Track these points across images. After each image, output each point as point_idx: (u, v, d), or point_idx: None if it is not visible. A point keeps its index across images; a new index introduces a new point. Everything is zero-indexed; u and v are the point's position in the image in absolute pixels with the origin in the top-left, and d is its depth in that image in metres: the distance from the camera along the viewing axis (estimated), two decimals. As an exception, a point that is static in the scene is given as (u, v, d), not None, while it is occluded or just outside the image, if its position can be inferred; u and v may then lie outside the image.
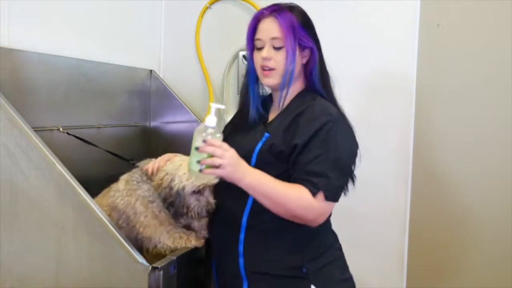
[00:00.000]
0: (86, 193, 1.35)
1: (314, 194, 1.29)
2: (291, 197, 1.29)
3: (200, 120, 2.37)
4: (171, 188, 1.42)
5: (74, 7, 1.94)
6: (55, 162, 1.36)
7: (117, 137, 2.13)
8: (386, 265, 2.18)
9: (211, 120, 1.25)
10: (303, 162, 1.32)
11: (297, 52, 1.40)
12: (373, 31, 2.16)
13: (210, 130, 1.24)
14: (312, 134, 1.32)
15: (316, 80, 1.44)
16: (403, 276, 2.17)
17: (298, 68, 1.43)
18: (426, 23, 2.09)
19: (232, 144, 1.37)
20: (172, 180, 1.42)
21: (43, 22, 1.81)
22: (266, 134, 1.40)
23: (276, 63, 1.40)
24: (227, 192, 1.42)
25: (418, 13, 2.10)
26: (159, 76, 2.42)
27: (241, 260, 1.39)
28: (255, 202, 1.37)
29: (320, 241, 1.43)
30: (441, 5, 2.07)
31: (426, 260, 2.13)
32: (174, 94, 2.37)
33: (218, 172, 1.23)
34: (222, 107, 1.31)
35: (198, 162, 1.22)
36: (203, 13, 2.44)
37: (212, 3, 2.43)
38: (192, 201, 1.43)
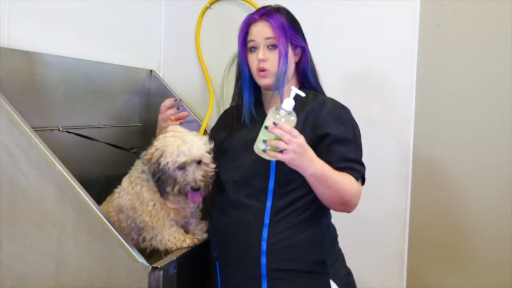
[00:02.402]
0: (86, 193, 1.35)
1: (357, 179, 1.39)
2: (348, 185, 1.36)
3: (200, 120, 2.37)
4: (159, 164, 1.44)
5: (74, 7, 1.94)
6: (55, 162, 1.36)
7: (117, 137, 2.13)
8: (386, 265, 2.18)
9: (287, 103, 1.27)
10: (342, 151, 1.39)
11: (290, 52, 1.46)
12: (373, 31, 2.16)
13: (283, 112, 1.27)
14: (341, 125, 1.42)
15: (311, 78, 1.52)
16: (403, 276, 2.17)
17: (292, 66, 1.49)
18: (426, 23, 2.09)
19: (242, 142, 1.43)
20: (161, 156, 1.45)
21: (43, 22, 1.81)
22: None
23: (272, 64, 1.45)
24: (246, 190, 1.43)
25: (418, 13, 2.10)
26: (159, 76, 2.42)
27: (263, 259, 1.39)
28: (275, 199, 1.40)
29: (331, 235, 1.50)
30: (441, 5, 2.07)
31: (426, 260, 2.13)
32: (174, 94, 2.37)
33: (280, 156, 1.25)
34: (302, 94, 1.32)
35: (265, 141, 1.25)
36: (203, 13, 2.44)
37: (212, 3, 2.43)
38: (179, 176, 1.44)
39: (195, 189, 1.44)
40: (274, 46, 1.44)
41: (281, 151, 1.23)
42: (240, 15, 2.39)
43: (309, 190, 1.37)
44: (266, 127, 1.25)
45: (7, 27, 1.67)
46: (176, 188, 1.44)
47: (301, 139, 1.25)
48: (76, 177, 1.37)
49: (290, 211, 1.40)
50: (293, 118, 1.28)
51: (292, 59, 1.48)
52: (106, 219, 1.33)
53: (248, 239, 1.41)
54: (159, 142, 1.48)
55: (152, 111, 2.37)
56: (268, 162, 1.38)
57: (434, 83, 2.10)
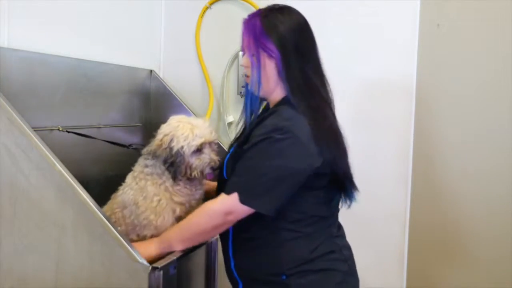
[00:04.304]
0: (86, 193, 1.35)
1: (228, 193, 1.32)
2: (193, 221, 1.37)
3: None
4: (171, 149, 1.44)
5: (74, 7, 1.94)
6: (55, 162, 1.36)
7: (117, 137, 2.13)
8: (386, 265, 2.18)
9: None
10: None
11: (266, 60, 1.38)
12: (373, 31, 2.16)
13: None
14: (250, 146, 1.33)
15: (287, 88, 1.38)
16: (403, 276, 2.17)
17: (269, 75, 1.40)
18: (426, 23, 2.09)
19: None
20: (171, 140, 1.45)
21: (43, 22, 1.81)
22: (234, 146, 1.44)
23: (249, 71, 1.43)
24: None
25: (418, 13, 2.10)
26: (159, 76, 2.42)
27: (232, 263, 1.44)
28: None
29: (309, 248, 1.39)
30: (441, 5, 2.07)
31: (426, 260, 2.13)
32: (174, 94, 2.37)
33: None
34: None
35: None
36: (203, 13, 2.44)
37: (212, 3, 2.43)
38: (193, 161, 1.45)
39: (215, 169, 1.47)
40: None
41: None
42: (240, 15, 2.37)
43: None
44: None
45: (7, 27, 1.67)
46: (196, 172, 1.45)
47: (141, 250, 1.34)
48: (76, 177, 1.37)
49: (247, 225, 1.38)
50: None
51: (270, 67, 1.38)
52: (106, 219, 1.33)
53: (223, 244, 1.48)
54: (166, 128, 1.49)
55: (152, 111, 2.37)
56: (222, 174, 1.42)
57: (434, 83, 2.10)
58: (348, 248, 1.50)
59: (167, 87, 2.39)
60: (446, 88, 2.08)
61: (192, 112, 2.35)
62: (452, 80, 2.07)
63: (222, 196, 1.34)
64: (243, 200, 1.30)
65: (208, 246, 1.58)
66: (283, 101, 1.40)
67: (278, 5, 1.44)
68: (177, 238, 1.38)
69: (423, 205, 2.12)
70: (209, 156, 1.46)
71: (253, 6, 2.32)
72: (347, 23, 2.20)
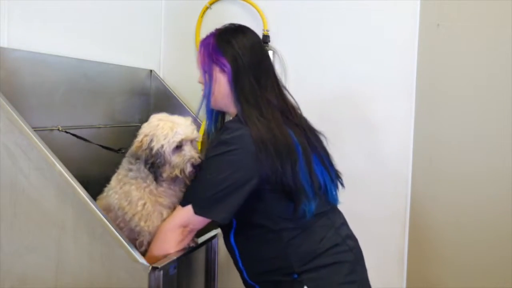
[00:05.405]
0: (86, 193, 1.35)
1: (183, 206, 1.39)
2: (156, 248, 1.39)
3: (199, 120, 2.37)
4: (151, 149, 1.41)
5: (74, 7, 1.94)
6: (55, 162, 1.36)
7: (117, 137, 2.13)
8: (386, 265, 2.18)
9: None
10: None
11: (218, 74, 1.45)
12: (373, 31, 2.16)
13: None
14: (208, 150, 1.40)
15: (236, 100, 1.45)
16: (403, 276, 2.17)
17: (225, 89, 1.46)
18: (426, 23, 2.09)
19: None
20: (151, 141, 1.42)
21: (43, 22, 1.81)
22: None
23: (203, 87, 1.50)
24: None
25: (418, 13, 2.10)
26: (159, 76, 2.42)
27: (245, 274, 1.46)
28: (238, 222, 1.43)
29: (313, 241, 1.42)
30: (441, 5, 2.08)
31: (426, 260, 2.13)
32: (174, 94, 2.37)
33: None
34: None
35: None
36: (203, 13, 2.44)
37: (212, 3, 2.43)
38: (174, 159, 1.42)
39: (196, 166, 1.42)
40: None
41: None
42: (240, 15, 2.40)
43: (262, 209, 1.39)
44: None
45: (7, 27, 1.66)
46: (177, 171, 1.42)
47: None
48: (76, 177, 1.37)
49: (248, 233, 1.43)
50: None
51: (222, 81, 1.45)
52: (106, 219, 1.33)
53: (232, 258, 1.48)
54: (146, 128, 1.46)
55: (152, 111, 2.35)
56: None
57: (434, 83, 2.10)
58: (351, 237, 1.52)
59: (167, 87, 2.39)
60: (446, 88, 2.09)
61: (192, 112, 2.35)
62: (452, 80, 2.07)
63: (177, 209, 1.40)
64: (197, 212, 1.36)
65: (208, 246, 1.58)
66: (237, 114, 1.45)
67: (234, 24, 1.51)
68: None
69: (423, 205, 2.13)
70: (189, 153, 1.42)
71: (253, 6, 2.32)
72: (347, 23, 2.20)
